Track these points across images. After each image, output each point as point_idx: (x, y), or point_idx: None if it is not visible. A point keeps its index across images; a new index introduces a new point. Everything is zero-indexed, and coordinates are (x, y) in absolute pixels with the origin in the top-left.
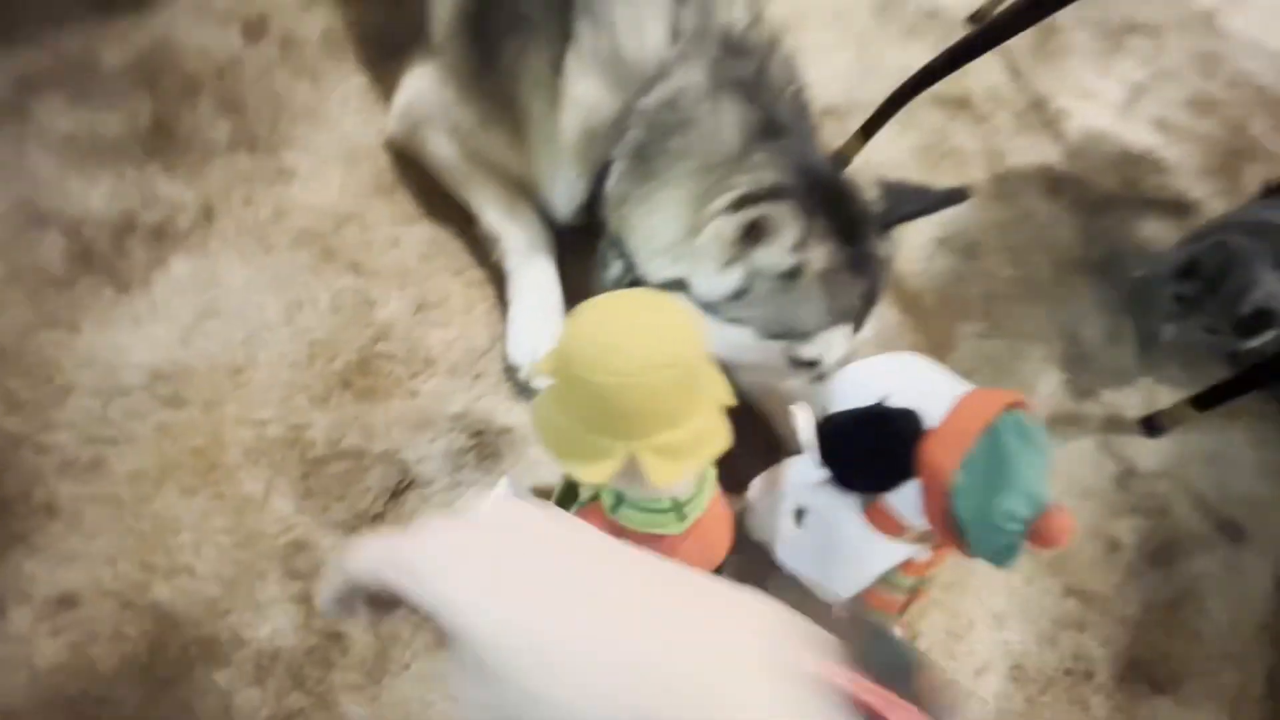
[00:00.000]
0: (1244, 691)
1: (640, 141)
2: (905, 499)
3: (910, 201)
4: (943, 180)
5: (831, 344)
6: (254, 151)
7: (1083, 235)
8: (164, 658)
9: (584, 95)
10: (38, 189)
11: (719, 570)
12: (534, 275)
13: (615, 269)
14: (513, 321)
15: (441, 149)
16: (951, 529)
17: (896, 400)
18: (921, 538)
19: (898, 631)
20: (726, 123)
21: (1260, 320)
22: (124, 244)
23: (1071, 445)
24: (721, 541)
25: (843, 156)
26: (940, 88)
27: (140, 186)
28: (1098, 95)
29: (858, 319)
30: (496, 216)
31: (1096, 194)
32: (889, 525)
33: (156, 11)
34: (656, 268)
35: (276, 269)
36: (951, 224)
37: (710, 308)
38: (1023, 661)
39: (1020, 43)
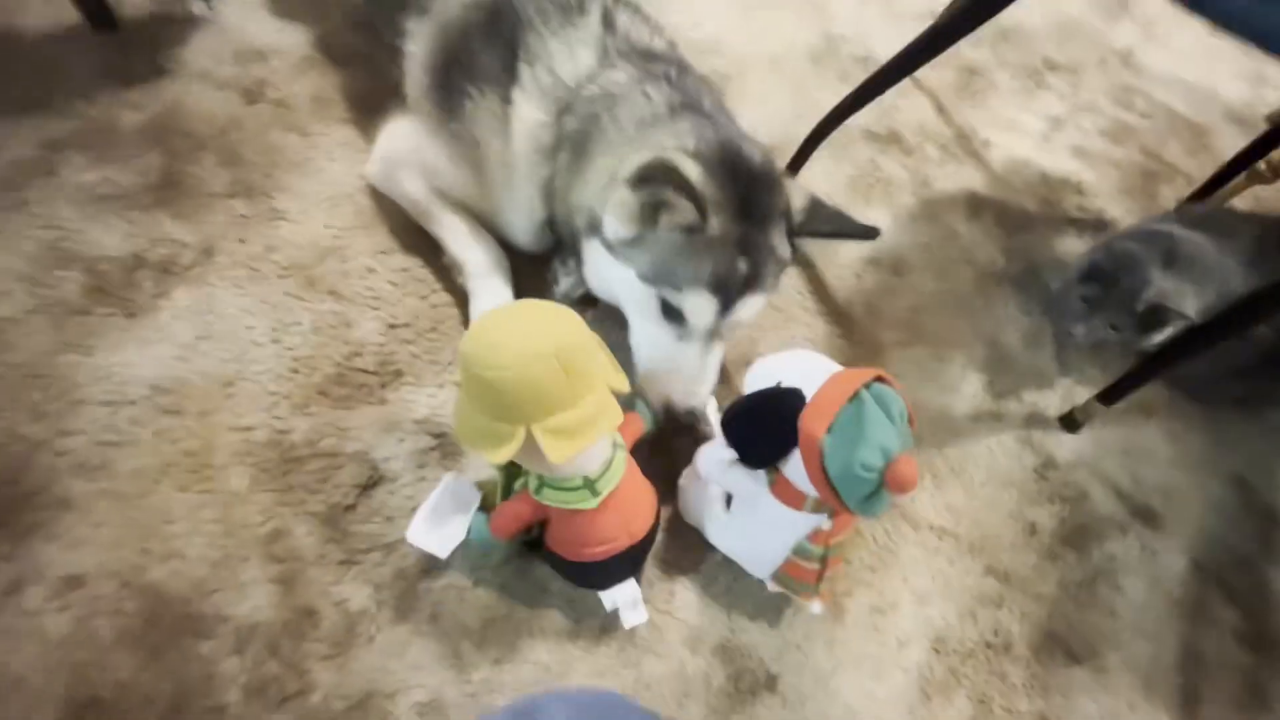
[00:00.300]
0: (1158, 662)
1: (576, 129)
2: (796, 468)
3: (828, 221)
4: (874, 206)
5: (699, 307)
6: (250, 197)
7: (1003, 251)
8: (157, 630)
9: (528, 116)
10: (62, 234)
11: (649, 540)
12: (492, 294)
13: (564, 284)
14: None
15: (413, 188)
16: (828, 486)
17: (787, 385)
18: (819, 506)
19: (816, 606)
20: (655, 99)
21: (1155, 315)
22: (134, 279)
23: (994, 440)
24: (642, 512)
25: None
26: (871, 124)
27: (149, 230)
28: (1019, 128)
29: (729, 295)
30: (459, 244)
31: (1017, 214)
32: (792, 497)
33: (168, 81)
34: (585, 207)
35: (265, 297)
36: (880, 245)
37: (609, 246)
38: (944, 635)
39: (945, 84)
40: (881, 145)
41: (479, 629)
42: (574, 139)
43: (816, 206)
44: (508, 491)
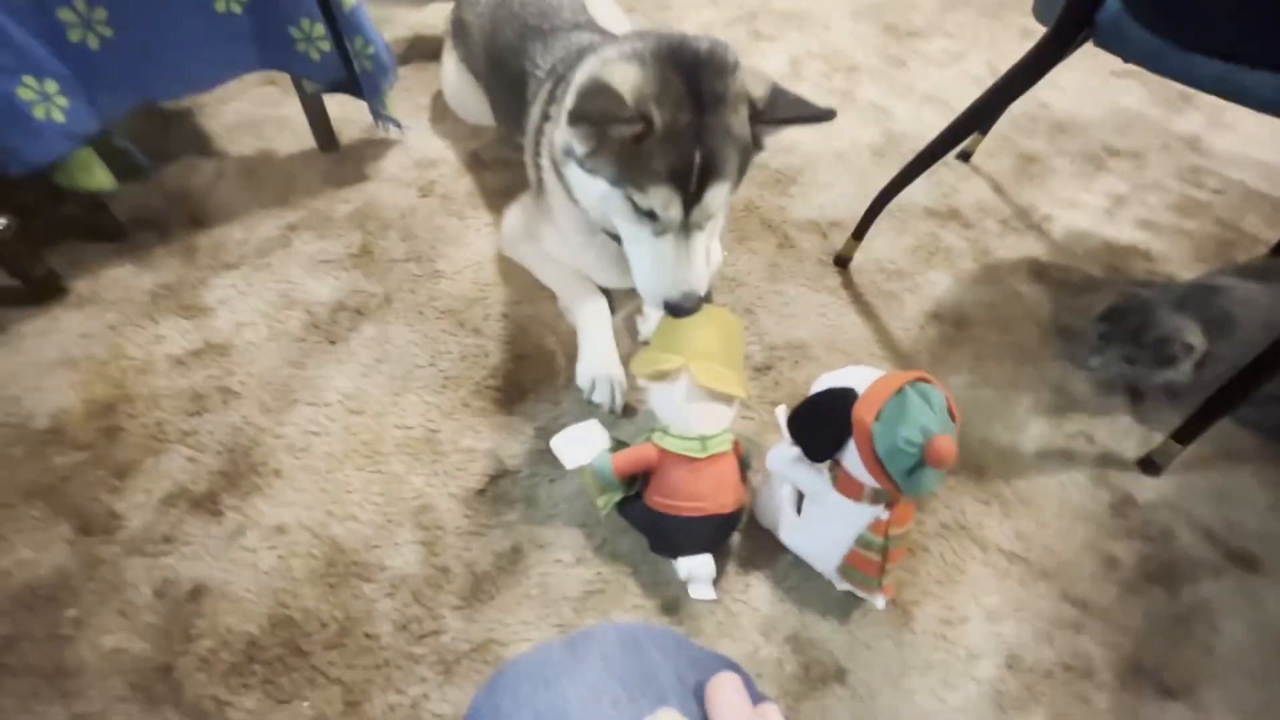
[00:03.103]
0: (1268, 708)
1: (552, 90)
2: (853, 458)
3: (789, 107)
4: (935, 269)
5: (663, 201)
6: (419, 262)
7: (1068, 309)
8: (334, 571)
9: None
10: (291, 286)
11: (732, 520)
12: (595, 330)
13: (645, 329)
14: (579, 361)
15: (527, 252)
16: (878, 467)
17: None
18: (877, 496)
19: (880, 600)
20: (617, 42)
21: (1164, 348)
22: (336, 317)
23: (1065, 476)
24: (731, 485)
25: (843, 257)
26: (930, 204)
27: (349, 284)
28: (1080, 205)
29: (688, 185)
30: (567, 294)
31: (1081, 278)
32: (852, 489)
33: (368, 183)
34: (561, 139)
35: (427, 332)
36: (942, 300)
37: (579, 161)
38: (1018, 653)
39: (1003, 169)
40: (941, 220)
41: (578, 598)
42: (551, 97)
43: (777, 93)
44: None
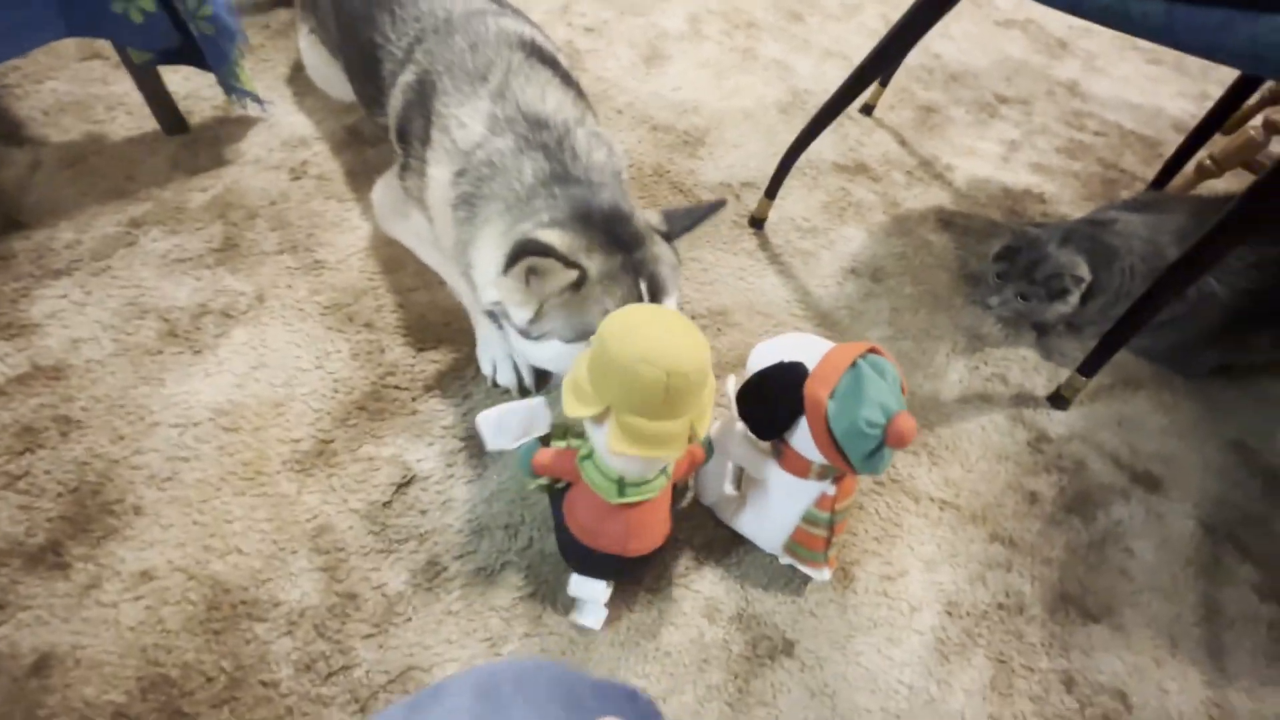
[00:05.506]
0: (1180, 619)
1: (466, 192)
2: (801, 436)
3: (686, 217)
4: (847, 224)
5: None
6: (295, 253)
7: (975, 255)
8: (218, 615)
9: (436, 175)
10: (140, 291)
11: (639, 565)
12: (488, 326)
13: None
14: (477, 343)
15: (401, 232)
16: (833, 447)
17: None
18: (823, 473)
19: (825, 573)
20: (526, 171)
21: (1054, 283)
22: (199, 323)
23: (985, 419)
24: (647, 539)
25: (758, 215)
26: (838, 158)
27: (213, 284)
28: (979, 152)
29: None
30: (450, 275)
31: (984, 224)
32: (799, 465)
33: (228, 168)
34: (488, 295)
35: (310, 332)
36: (858, 255)
37: (522, 331)
38: (956, 599)
39: (905, 121)
40: (850, 175)
41: (506, 607)
42: (466, 202)
43: (670, 215)
44: (557, 440)
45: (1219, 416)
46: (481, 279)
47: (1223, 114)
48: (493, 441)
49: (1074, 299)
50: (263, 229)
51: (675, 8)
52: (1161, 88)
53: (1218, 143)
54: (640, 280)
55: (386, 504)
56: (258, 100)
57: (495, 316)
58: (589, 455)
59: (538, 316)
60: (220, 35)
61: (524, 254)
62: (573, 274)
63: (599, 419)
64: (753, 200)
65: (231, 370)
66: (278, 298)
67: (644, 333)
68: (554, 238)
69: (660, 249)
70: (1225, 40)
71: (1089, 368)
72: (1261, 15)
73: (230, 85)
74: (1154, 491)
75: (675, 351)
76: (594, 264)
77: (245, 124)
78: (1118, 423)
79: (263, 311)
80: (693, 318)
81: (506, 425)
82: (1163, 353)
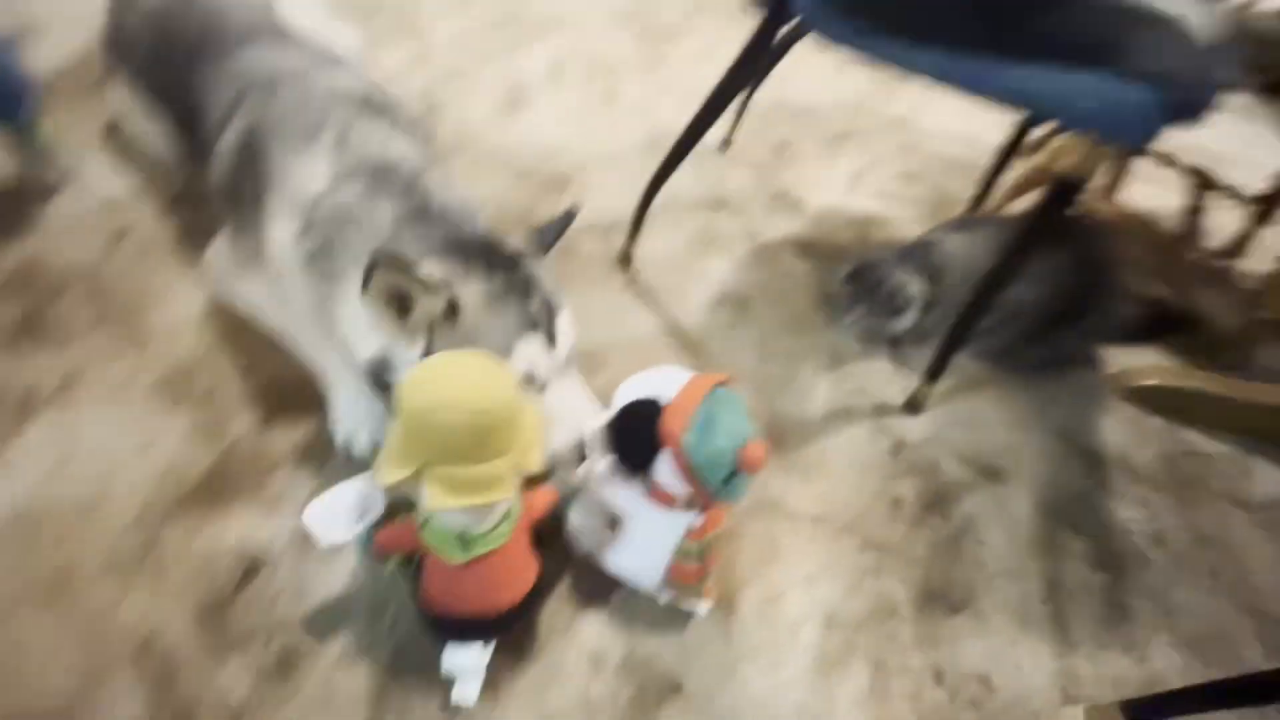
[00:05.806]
0: (1028, 598)
1: (316, 247)
2: (665, 469)
3: (551, 231)
4: (711, 257)
5: (531, 352)
6: (115, 326)
7: (829, 278)
8: None
9: (275, 235)
10: None
11: (512, 616)
12: (336, 374)
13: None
14: (330, 413)
15: (243, 296)
16: (694, 477)
17: (654, 397)
18: (689, 503)
19: (704, 605)
20: (383, 214)
21: (894, 300)
22: None
23: (850, 432)
24: (512, 587)
25: (625, 254)
26: (701, 194)
27: (7, 368)
28: (827, 183)
29: (544, 325)
30: (296, 340)
31: (838, 248)
32: (665, 498)
33: (26, 238)
34: (365, 348)
35: (132, 414)
36: (724, 285)
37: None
38: (834, 611)
39: (759, 156)
40: (713, 209)
41: (373, 698)
42: (318, 257)
43: (537, 233)
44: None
45: (1045, 407)
46: (354, 331)
47: (1016, 142)
48: (326, 536)
49: (913, 313)
50: (74, 303)
51: (536, 54)
52: (977, 120)
53: (1019, 166)
54: (528, 298)
55: (227, 600)
56: (63, 159)
57: (379, 376)
58: (426, 522)
59: (430, 353)
60: (8, 83)
61: (377, 266)
62: (442, 300)
63: (415, 480)
64: (620, 240)
65: (31, 470)
66: (91, 380)
67: (441, 381)
68: (430, 266)
69: (538, 267)
70: (988, 84)
71: (933, 374)
72: (1012, 66)
73: (28, 142)
74: (997, 482)
75: (475, 392)
76: (474, 285)
77: (51, 187)
78: (964, 422)
79: (70, 398)
80: None
81: (336, 514)
82: (995, 354)
